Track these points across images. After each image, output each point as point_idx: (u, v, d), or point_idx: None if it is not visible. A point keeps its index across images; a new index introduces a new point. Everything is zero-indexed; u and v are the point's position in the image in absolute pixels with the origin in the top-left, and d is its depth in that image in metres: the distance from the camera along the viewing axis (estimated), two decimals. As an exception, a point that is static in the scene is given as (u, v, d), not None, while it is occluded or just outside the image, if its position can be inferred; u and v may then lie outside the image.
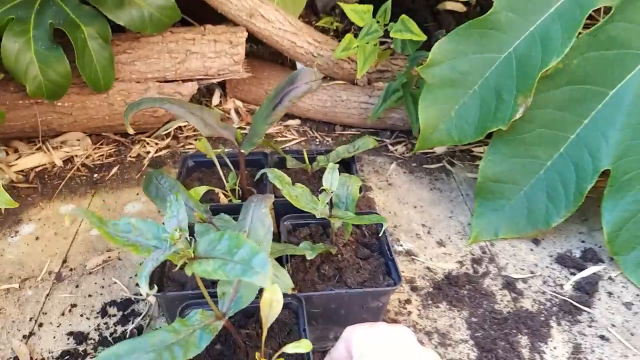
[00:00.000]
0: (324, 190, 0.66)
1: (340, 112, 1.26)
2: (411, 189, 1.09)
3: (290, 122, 1.31)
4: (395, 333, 0.47)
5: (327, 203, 0.67)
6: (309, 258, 0.66)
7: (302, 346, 0.52)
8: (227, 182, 0.82)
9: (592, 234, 0.96)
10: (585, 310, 0.81)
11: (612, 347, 0.76)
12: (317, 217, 0.66)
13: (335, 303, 0.68)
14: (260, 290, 0.52)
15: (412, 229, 0.98)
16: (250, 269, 0.44)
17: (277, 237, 0.74)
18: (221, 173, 0.82)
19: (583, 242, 0.94)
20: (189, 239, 0.49)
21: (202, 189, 0.75)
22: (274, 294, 0.51)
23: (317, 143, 1.25)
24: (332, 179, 0.67)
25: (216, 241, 0.48)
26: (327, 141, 1.25)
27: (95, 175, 1.13)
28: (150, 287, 0.46)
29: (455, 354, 0.75)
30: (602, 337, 0.77)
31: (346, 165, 0.92)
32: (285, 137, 1.27)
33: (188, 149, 1.22)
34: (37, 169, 1.14)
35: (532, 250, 0.93)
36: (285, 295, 0.61)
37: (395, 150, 1.21)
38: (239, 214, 0.75)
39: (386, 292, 0.68)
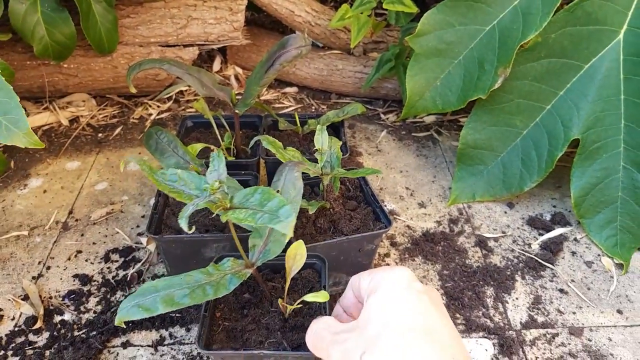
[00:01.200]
0: (317, 150, 0.72)
1: (336, 80, 1.32)
2: (399, 155, 1.15)
3: (288, 89, 1.37)
4: (398, 271, 0.50)
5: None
6: (310, 213, 0.72)
7: (320, 296, 0.59)
8: (223, 141, 0.88)
9: (563, 199, 1.02)
10: (548, 267, 0.88)
11: (569, 299, 0.83)
12: (311, 176, 0.72)
13: (336, 250, 0.74)
14: (287, 247, 0.59)
15: (396, 191, 1.05)
16: (276, 217, 0.49)
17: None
18: (217, 133, 0.88)
19: (554, 206, 1.01)
20: (226, 191, 0.54)
21: (199, 146, 0.81)
22: (298, 249, 0.58)
23: (313, 110, 1.30)
24: (322, 139, 0.73)
25: (250, 195, 0.54)
26: (322, 108, 1.31)
27: (100, 134, 1.20)
28: (189, 228, 0.51)
29: (426, 301, 0.82)
30: (561, 290, 0.84)
31: (335, 129, 0.98)
32: (283, 103, 1.32)
33: (189, 112, 1.27)
34: (44, 128, 1.21)
35: (506, 212, 1.00)
36: (311, 256, 0.68)
37: (387, 118, 1.27)
38: (232, 170, 0.82)
39: (380, 234, 0.75)
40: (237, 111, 0.80)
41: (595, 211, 0.92)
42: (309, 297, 0.58)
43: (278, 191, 0.61)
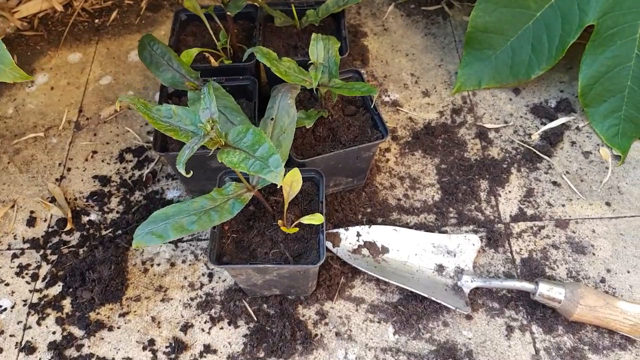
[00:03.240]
0: (311, 64, 0.70)
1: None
2: (406, 34, 1.10)
3: (287, -44, 1.26)
4: None
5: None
6: (308, 127, 0.73)
7: (316, 219, 0.63)
8: (218, 40, 0.86)
9: (572, 83, 1.00)
10: (545, 159, 0.90)
11: (561, 191, 0.87)
12: (307, 88, 0.71)
13: (334, 160, 0.77)
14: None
15: (401, 78, 1.03)
16: (267, 166, 0.53)
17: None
18: (211, 32, 0.85)
19: (562, 91, 0.99)
20: (219, 129, 0.56)
21: (194, 52, 0.79)
22: (294, 176, 0.61)
23: (315, -19, 1.21)
24: (317, 50, 0.71)
25: (242, 133, 0.56)
26: (325, -21, 1.21)
27: (97, 20, 1.16)
28: (187, 172, 0.54)
29: (422, 195, 0.87)
30: (554, 182, 0.88)
31: (336, 18, 0.93)
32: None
33: (184, -11, 1.20)
34: (40, 15, 1.17)
35: (511, 99, 0.98)
36: (309, 170, 0.71)
37: (395, -11, 1.18)
38: (229, 75, 0.82)
39: (376, 144, 0.77)
40: (229, 13, 0.76)
41: (601, 100, 0.91)
42: (305, 220, 0.63)
43: (272, 119, 0.62)
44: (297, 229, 0.65)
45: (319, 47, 0.70)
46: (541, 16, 0.90)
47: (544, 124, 0.95)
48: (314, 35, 0.70)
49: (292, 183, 0.61)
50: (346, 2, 0.88)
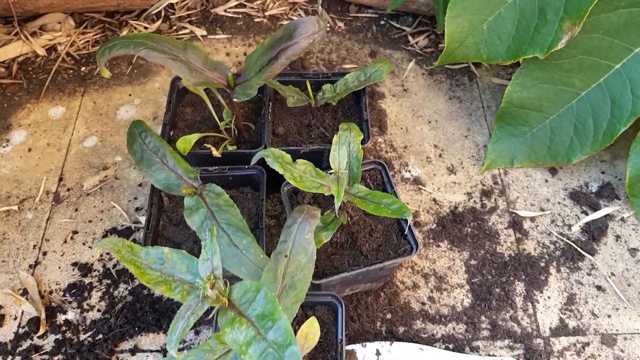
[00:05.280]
0: (332, 172, 0.60)
1: (354, -11, 1.09)
2: (428, 97, 0.99)
3: (297, -2, 1.15)
4: None
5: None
6: (326, 240, 0.62)
7: None
8: (222, 119, 0.74)
9: (614, 162, 0.90)
10: (588, 257, 0.80)
11: (606, 298, 0.76)
12: (326, 195, 0.60)
13: (353, 276, 0.66)
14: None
15: (423, 150, 0.92)
16: None
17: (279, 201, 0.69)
18: (213, 113, 0.73)
19: (603, 173, 0.89)
20: (223, 286, 0.46)
21: (193, 138, 0.68)
22: (310, 327, 0.50)
23: (328, 29, 1.10)
24: (339, 157, 0.61)
25: (251, 293, 0.45)
26: (339, 27, 1.10)
27: (83, 68, 1.04)
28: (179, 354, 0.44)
29: (450, 299, 0.76)
30: (598, 287, 0.77)
31: (355, 93, 0.82)
32: (292, 19, 1.12)
33: (181, 34, 1.09)
34: (19, 60, 1.04)
35: (547, 181, 0.88)
36: (326, 294, 0.60)
37: (416, 43, 1.07)
38: (234, 164, 0.70)
39: (403, 259, 0.66)
40: (235, 100, 0.65)
41: (651, 192, 0.81)
42: None
43: (286, 256, 0.51)
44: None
45: (342, 153, 0.59)
46: (587, 96, 0.80)
47: (584, 212, 0.84)
48: (335, 138, 0.59)
49: (307, 335, 0.50)
50: (368, 78, 0.77)
